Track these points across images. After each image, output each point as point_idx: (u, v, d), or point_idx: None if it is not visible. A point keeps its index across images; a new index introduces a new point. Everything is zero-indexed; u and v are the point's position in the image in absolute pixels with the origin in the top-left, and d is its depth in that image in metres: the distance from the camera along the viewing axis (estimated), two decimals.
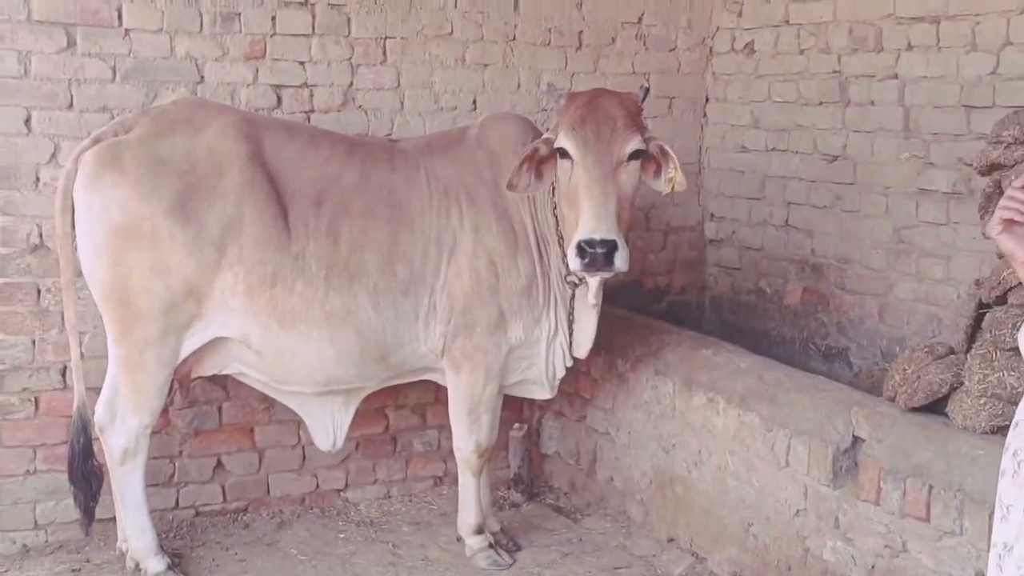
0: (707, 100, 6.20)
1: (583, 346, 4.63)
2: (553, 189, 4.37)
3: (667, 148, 4.22)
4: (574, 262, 4.03)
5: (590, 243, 3.97)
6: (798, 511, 4.16)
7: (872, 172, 5.28)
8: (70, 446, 4.45)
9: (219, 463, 5.11)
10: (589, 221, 4.01)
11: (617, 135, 4.11)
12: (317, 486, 5.32)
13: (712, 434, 4.58)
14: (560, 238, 4.42)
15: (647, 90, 4.39)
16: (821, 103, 5.54)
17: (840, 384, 4.48)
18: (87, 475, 4.43)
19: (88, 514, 4.48)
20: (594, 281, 4.38)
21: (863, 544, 3.89)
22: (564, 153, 4.15)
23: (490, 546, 4.76)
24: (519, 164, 4.22)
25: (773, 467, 4.26)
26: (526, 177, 4.25)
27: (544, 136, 4.32)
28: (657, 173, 4.28)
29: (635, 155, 4.15)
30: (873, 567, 3.85)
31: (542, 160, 4.26)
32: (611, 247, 3.97)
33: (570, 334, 4.61)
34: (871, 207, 5.30)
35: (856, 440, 3.97)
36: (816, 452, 4.06)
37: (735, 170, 6.08)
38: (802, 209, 5.69)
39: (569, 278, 4.48)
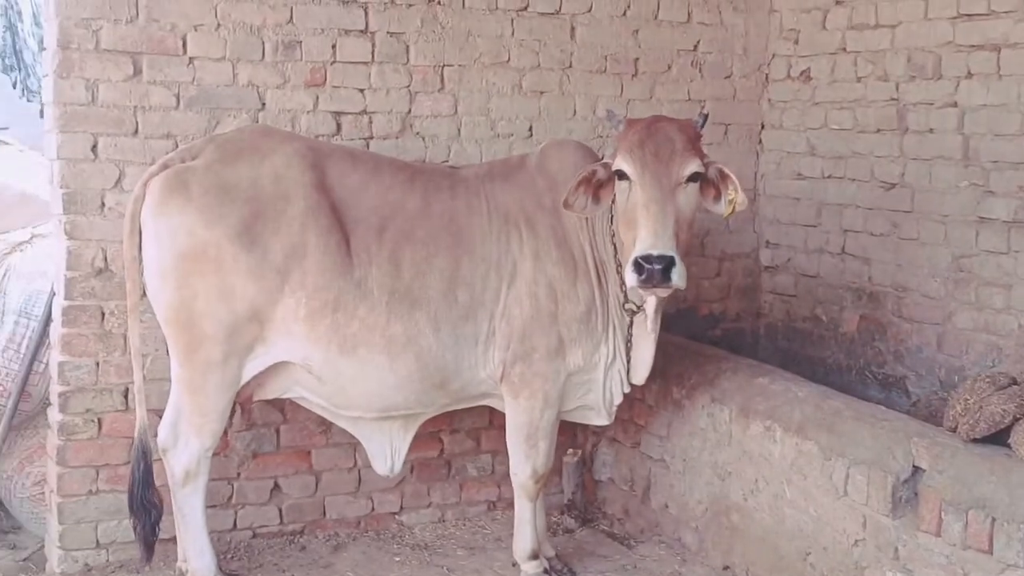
0: (763, 127, 6.21)
1: (641, 373, 4.64)
2: (612, 217, 4.39)
3: (726, 171, 4.22)
4: (631, 278, 4.02)
5: (647, 259, 3.96)
6: (857, 541, 4.14)
7: (930, 200, 5.26)
8: (131, 474, 4.49)
9: (276, 485, 5.15)
10: (647, 238, 4.01)
11: (676, 156, 4.12)
12: (372, 509, 5.35)
13: (769, 462, 4.56)
14: (619, 266, 4.43)
15: (706, 116, 4.40)
16: (879, 131, 5.53)
17: (899, 413, 4.46)
18: (147, 505, 4.47)
19: (148, 546, 4.51)
20: (651, 307, 4.39)
21: None
22: (622, 175, 4.16)
23: (545, 571, 4.76)
24: (575, 184, 4.23)
25: (831, 496, 4.24)
26: (582, 199, 4.27)
27: (602, 160, 4.35)
28: (717, 198, 4.28)
29: (693, 178, 4.16)
30: None
31: (600, 184, 4.27)
32: (668, 263, 3.95)
33: (628, 361, 4.62)
34: (929, 235, 5.28)
35: (916, 470, 3.94)
36: (875, 482, 4.04)
37: (791, 197, 6.07)
38: (859, 237, 5.67)
39: (627, 306, 4.49)
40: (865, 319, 5.68)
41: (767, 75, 6.16)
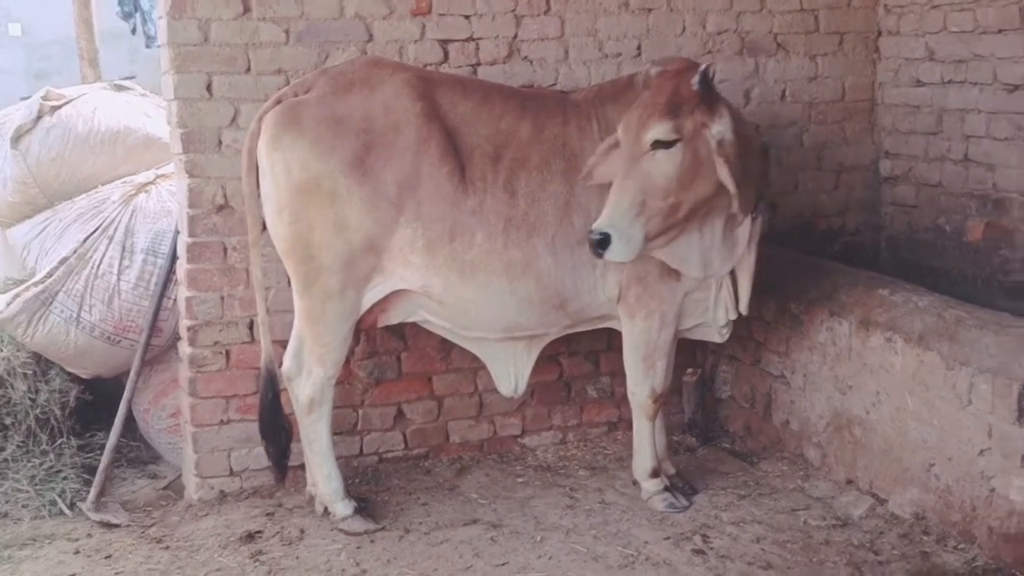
0: (879, 34, 6.03)
1: (743, 300, 4.59)
2: None
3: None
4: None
5: (591, 231, 4.07)
6: (982, 451, 4.07)
7: None
8: (260, 401, 4.64)
9: (400, 411, 5.26)
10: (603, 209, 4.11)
11: (645, 122, 4.08)
12: (494, 432, 5.43)
13: (890, 374, 4.50)
14: None
15: (704, 72, 4.09)
16: (1000, 31, 5.31)
17: None
18: (276, 430, 4.63)
19: (280, 469, 4.69)
20: (743, 235, 4.37)
21: None
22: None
23: (666, 489, 4.78)
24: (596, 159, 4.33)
25: (955, 406, 4.17)
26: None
27: None
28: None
29: (662, 144, 4.06)
30: None
31: None
32: (604, 239, 4.03)
33: (734, 283, 4.59)
34: None
35: None
36: (1000, 390, 3.96)
37: (910, 105, 5.90)
38: (982, 142, 5.49)
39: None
40: (991, 227, 5.51)
41: None
